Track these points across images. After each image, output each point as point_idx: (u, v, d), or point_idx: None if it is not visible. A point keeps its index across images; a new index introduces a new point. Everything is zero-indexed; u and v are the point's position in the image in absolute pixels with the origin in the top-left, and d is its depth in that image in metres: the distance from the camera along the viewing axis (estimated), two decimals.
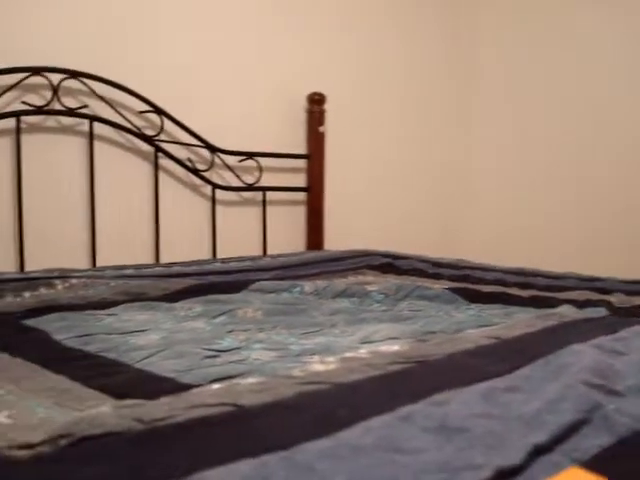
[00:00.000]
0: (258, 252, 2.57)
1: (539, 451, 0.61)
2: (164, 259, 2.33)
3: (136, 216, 2.31)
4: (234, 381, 0.80)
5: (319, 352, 1.14)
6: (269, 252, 2.58)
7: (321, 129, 2.64)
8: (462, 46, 3.31)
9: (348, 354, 0.93)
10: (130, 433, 0.61)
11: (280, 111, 2.65)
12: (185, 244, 2.40)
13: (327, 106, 2.69)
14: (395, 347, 0.96)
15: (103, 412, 0.65)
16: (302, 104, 2.68)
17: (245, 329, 1.33)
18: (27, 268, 2.06)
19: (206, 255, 2.45)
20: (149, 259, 2.32)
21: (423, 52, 3.17)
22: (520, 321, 1.27)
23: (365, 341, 1.21)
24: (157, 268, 2.05)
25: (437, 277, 2.14)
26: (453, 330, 1.32)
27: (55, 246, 2.15)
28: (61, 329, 1.30)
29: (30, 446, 0.57)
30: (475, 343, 0.99)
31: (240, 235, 2.54)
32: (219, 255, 2.45)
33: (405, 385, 0.75)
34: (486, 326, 1.35)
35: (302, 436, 0.57)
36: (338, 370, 0.82)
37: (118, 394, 0.88)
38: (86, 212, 2.20)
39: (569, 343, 0.93)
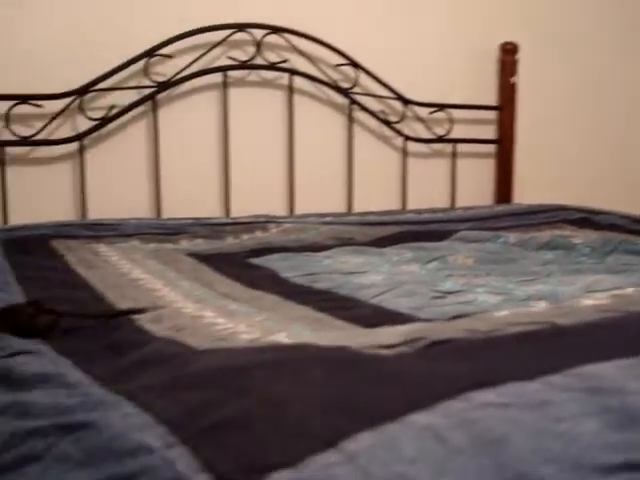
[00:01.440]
0: (445, 204, 2.57)
1: None
2: (355, 209, 2.39)
3: (330, 166, 2.38)
4: (523, 309, 0.83)
5: (545, 298, 1.13)
6: (457, 204, 2.58)
7: (513, 80, 2.58)
8: None
9: (616, 292, 0.93)
10: (473, 339, 0.66)
11: (471, 61, 2.61)
12: (375, 194, 2.45)
13: (520, 56, 2.62)
14: None
15: (427, 325, 0.70)
16: (494, 54, 2.63)
17: (461, 274, 1.35)
18: (232, 215, 2.19)
19: (394, 206, 2.48)
20: (341, 208, 2.39)
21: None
22: None
23: (589, 290, 1.19)
24: (353, 217, 2.11)
25: (639, 234, 2.05)
26: None
27: (256, 194, 2.26)
28: (286, 268, 1.38)
29: (392, 346, 0.63)
30: None
31: (427, 187, 2.56)
32: (408, 206, 2.48)
33: None
34: None
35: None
36: (618, 303, 0.82)
37: (370, 324, 0.92)
38: (285, 161, 2.30)
39: None
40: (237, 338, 0.83)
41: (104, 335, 0.87)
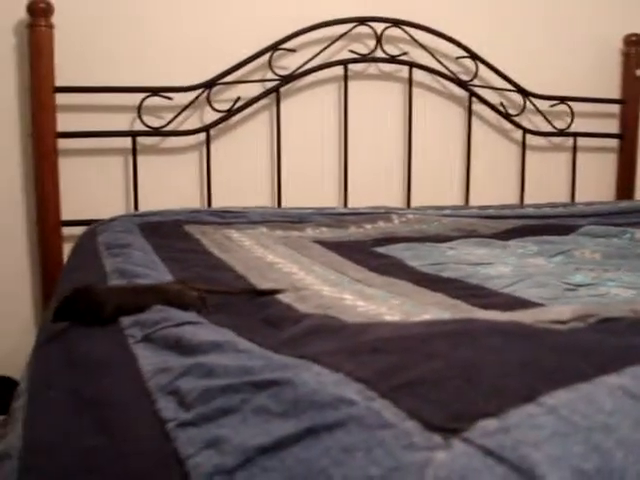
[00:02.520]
0: (563, 199, 2.53)
1: None
2: (473, 201, 2.38)
3: (448, 159, 2.39)
4: None
5: None
6: (576, 200, 2.53)
7: (638, 72, 2.50)
8: None
9: None
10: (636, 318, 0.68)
11: (593, 53, 2.55)
12: (492, 188, 2.44)
13: None
14: None
15: (587, 306, 0.72)
16: (617, 46, 2.55)
17: (590, 268, 1.34)
18: (349, 205, 2.23)
19: (512, 200, 2.46)
20: (458, 201, 2.39)
21: None
22: None
23: None
24: (472, 210, 2.11)
25: None
26: None
27: (373, 185, 2.30)
28: (412, 257, 1.41)
29: (564, 322, 0.66)
30: None
31: (546, 181, 2.52)
32: (525, 200, 2.46)
33: None
34: None
35: None
36: None
37: (509, 311, 0.94)
38: (403, 154, 2.32)
39: None
40: (382, 319, 0.87)
41: (256, 311, 0.92)
